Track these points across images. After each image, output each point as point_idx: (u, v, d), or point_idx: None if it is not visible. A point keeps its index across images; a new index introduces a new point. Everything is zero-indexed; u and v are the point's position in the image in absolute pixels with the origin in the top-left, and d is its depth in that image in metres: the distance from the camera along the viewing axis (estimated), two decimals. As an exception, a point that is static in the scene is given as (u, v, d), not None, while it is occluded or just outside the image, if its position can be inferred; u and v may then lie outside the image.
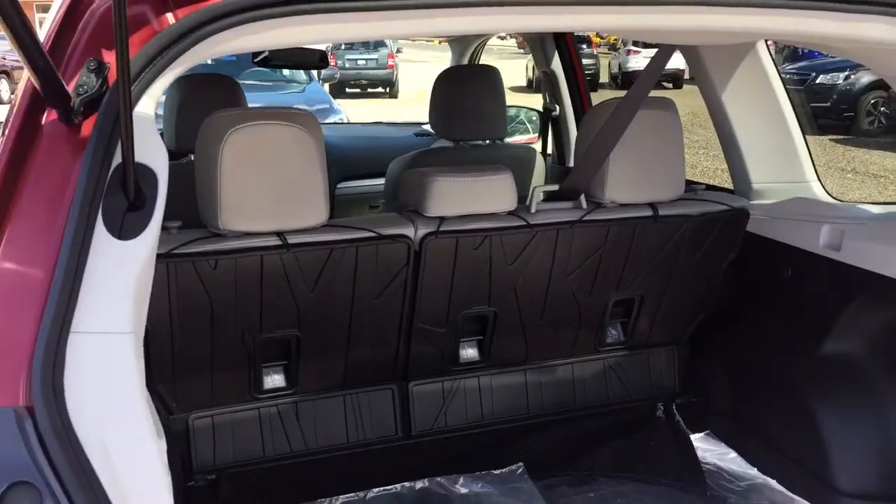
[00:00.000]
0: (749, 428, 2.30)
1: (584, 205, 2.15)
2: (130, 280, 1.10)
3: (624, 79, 19.79)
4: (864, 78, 12.13)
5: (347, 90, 19.15)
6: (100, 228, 1.08)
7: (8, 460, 0.98)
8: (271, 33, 1.17)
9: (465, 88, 2.96)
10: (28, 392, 1.00)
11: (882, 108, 11.83)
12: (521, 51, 26.21)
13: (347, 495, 2.14)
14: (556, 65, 3.48)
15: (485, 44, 4.20)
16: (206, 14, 1.12)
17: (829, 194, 2.37)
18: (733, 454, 2.27)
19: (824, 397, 2.11)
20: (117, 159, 1.10)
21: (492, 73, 3.01)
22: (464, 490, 2.15)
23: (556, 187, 2.19)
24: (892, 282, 1.93)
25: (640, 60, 20.58)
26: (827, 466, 2.05)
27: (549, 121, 3.59)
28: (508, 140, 3.58)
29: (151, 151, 1.14)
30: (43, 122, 1.13)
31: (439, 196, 2.02)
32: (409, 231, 2.00)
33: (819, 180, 2.38)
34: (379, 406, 2.25)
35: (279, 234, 1.87)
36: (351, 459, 2.22)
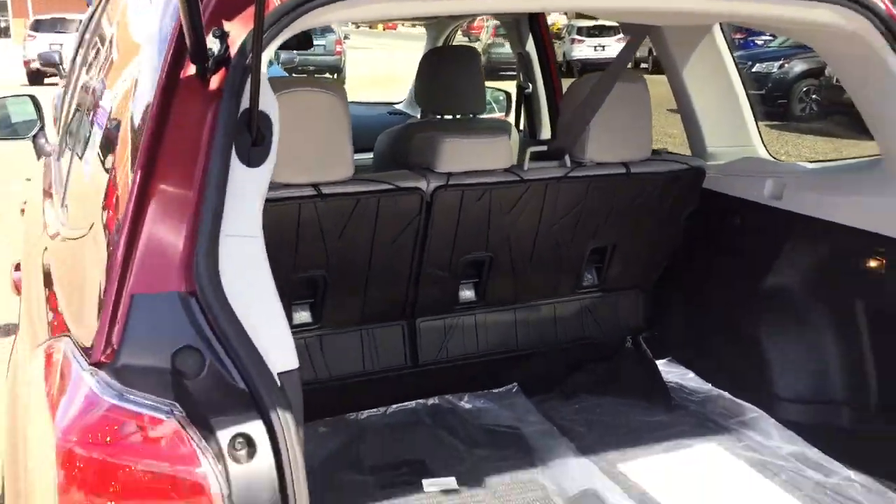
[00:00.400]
0: (704, 353, 2.71)
1: (569, 163, 2.52)
2: (257, 198, 1.42)
3: (569, 67, 20.36)
4: (797, 67, 12.84)
5: (294, 76, 19.27)
6: (234, 159, 1.40)
7: (176, 331, 1.29)
8: (362, 7, 1.50)
9: (450, 67, 3.31)
10: (190, 280, 1.31)
11: (813, 96, 12.54)
12: (466, 39, 26.51)
13: (370, 410, 2.48)
14: (530, 47, 3.85)
15: (458, 28, 4.55)
16: None
17: (772, 156, 2.79)
18: (691, 374, 2.68)
19: (765, 324, 2.52)
20: (243, 106, 1.42)
21: (473, 54, 3.36)
22: (468, 405, 2.53)
23: (544, 147, 2.56)
24: (824, 222, 2.34)
25: (584, 49, 21.20)
26: (768, 378, 2.47)
27: (522, 98, 3.96)
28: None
29: (267, 101, 1.46)
30: (181, 77, 1.44)
31: (448, 154, 2.36)
32: (422, 185, 2.34)
33: (763, 144, 2.80)
34: (391, 340, 2.59)
35: (314, 185, 2.19)
36: (369, 384, 2.56)
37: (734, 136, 2.82)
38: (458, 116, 3.34)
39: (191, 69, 1.43)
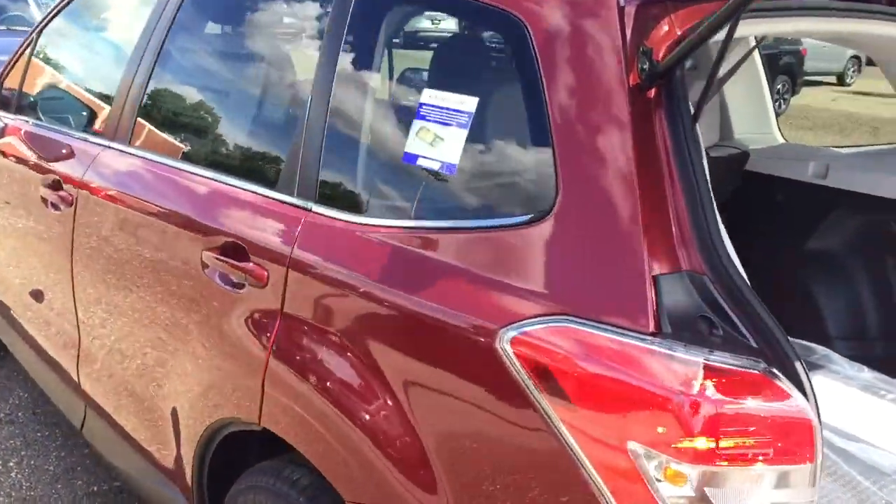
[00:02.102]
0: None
1: None
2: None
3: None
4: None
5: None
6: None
7: (691, 302, 1.50)
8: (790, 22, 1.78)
9: None
10: (695, 261, 1.52)
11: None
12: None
13: None
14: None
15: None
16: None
17: (785, 139, 3.38)
18: (750, 326, 3.19)
19: (812, 280, 3.09)
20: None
21: None
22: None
23: None
24: (863, 196, 2.94)
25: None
26: (822, 323, 3.04)
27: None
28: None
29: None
30: (630, 86, 1.61)
31: None
32: None
33: (780, 130, 3.38)
34: None
35: None
36: None
37: (756, 124, 3.37)
38: None
39: (631, 81, 1.61)
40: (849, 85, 20.82)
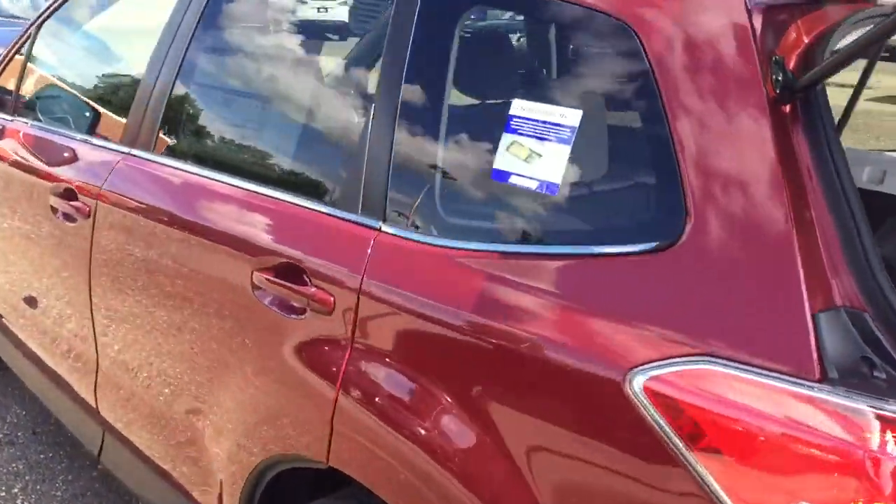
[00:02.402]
0: None
1: None
2: None
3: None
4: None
5: None
6: None
7: (854, 344, 1.34)
8: None
9: None
10: (852, 294, 1.37)
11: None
12: None
13: None
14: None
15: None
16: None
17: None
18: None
19: None
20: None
21: None
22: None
23: None
24: None
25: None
26: None
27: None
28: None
29: None
30: (770, 100, 1.45)
31: None
32: None
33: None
34: None
35: None
36: None
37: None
38: None
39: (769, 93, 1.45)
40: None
